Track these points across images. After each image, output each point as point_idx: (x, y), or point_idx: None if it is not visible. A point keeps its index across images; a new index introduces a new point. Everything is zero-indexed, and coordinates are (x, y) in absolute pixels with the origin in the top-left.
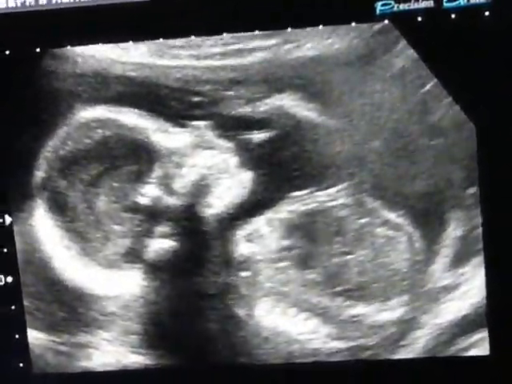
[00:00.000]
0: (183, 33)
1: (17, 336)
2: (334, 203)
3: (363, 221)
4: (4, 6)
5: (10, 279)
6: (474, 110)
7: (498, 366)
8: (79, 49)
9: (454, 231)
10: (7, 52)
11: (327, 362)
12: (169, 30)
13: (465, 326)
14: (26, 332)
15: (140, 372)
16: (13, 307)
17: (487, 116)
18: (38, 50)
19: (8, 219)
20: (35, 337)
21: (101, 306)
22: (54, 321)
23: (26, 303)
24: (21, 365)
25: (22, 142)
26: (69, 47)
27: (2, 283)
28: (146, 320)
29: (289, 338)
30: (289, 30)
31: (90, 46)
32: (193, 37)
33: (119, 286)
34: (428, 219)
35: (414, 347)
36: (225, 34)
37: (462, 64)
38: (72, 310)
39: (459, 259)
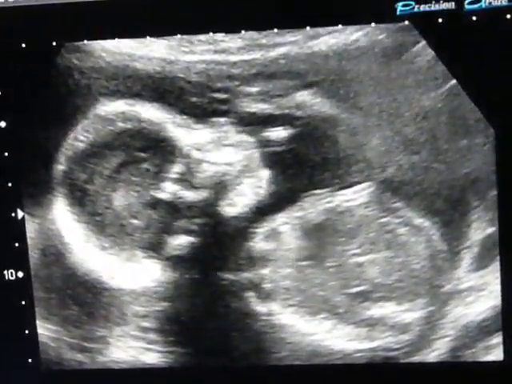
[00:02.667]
0: (202, 29)
1: (26, 331)
2: (355, 202)
3: (384, 220)
4: None
5: (20, 274)
6: (494, 113)
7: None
8: (97, 43)
9: (475, 233)
10: (23, 45)
11: (345, 364)
12: (187, 26)
13: (482, 330)
14: (35, 328)
15: (155, 370)
16: (23, 302)
17: (507, 119)
18: (54, 43)
19: (20, 214)
20: (46, 332)
21: (117, 301)
22: (69, 316)
23: (40, 297)
24: (30, 360)
25: (40, 137)
26: (86, 41)
27: (13, 278)
28: (162, 316)
29: (307, 338)
30: (307, 28)
31: (108, 40)
32: (211, 33)
33: (136, 281)
34: (450, 220)
35: (432, 350)
36: (243, 32)
37: (481, 66)
38: (88, 304)
39: (480, 262)
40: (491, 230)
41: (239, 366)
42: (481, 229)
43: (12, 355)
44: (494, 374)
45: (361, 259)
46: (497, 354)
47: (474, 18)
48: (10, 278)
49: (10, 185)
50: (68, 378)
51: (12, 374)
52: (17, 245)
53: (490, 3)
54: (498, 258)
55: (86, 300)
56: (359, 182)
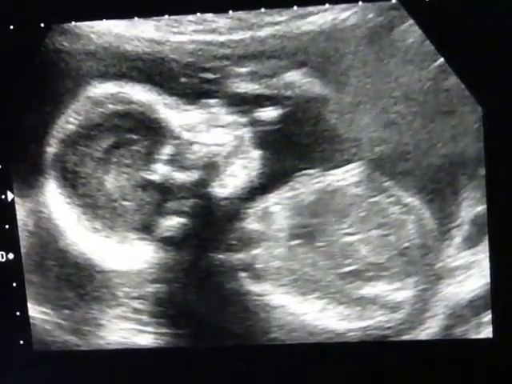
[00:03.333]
0: (189, 10)
1: (17, 313)
2: (345, 182)
3: (375, 199)
4: None
5: (11, 256)
6: (481, 91)
7: (501, 350)
8: (86, 24)
9: (465, 212)
10: (11, 27)
11: (336, 342)
12: (175, 6)
13: (473, 308)
14: (26, 309)
15: (147, 351)
16: (14, 284)
17: (494, 97)
18: (42, 25)
19: (10, 196)
20: (38, 314)
21: (109, 283)
22: (60, 297)
23: (31, 279)
24: (21, 342)
25: (30, 120)
26: (74, 23)
27: (4, 260)
28: (155, 297)
29: (299, 318)
30: (295, 8)
31: (96, 21)
32: (198, 14)
33: (128, 263)
34: (440, 199)
35: (423, 328)
36: (231, 12)
37: (468, 44)
38: (80, 286)
39: (470, 240)
40: (480, 208)
41: (231, 346)
42: (470, 207)
43: (3, 336)
44: (484, 352)
45: (352, 238)
46: (486, 333)
47: None
48: (1, 259)
49: None
50: (59, 360)
51: (3, 354)
52: (7, 227)
53: None
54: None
55: (78, 282)
56: (349, 162)
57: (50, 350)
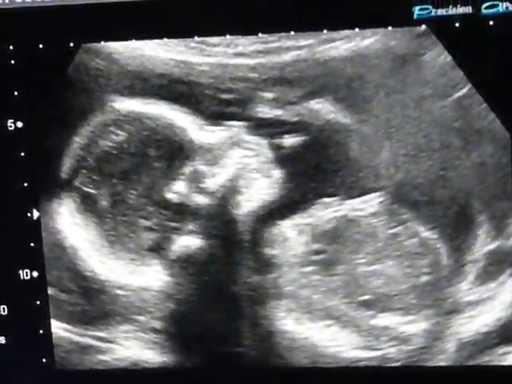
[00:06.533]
0: (218, 32)
1: (41, 331)
2: (363, 212)
3: (393, 231)
4: None
5: (35, 274)
6: (510, 118)
7: None
8: (113, 44)
9: (483, 246)
10: (41, 46)
11: (346, 368)
12: (204, 28)
13: (489, 340)
14: (50, 327)
15: (157, 371)
16: (38, 302)
17: None
18: (71, 44)
19: (36, 214)
20: (60, 332)
21: (123, 300)
22: (81, 316)
23: (54, 297)
24: (44, 360)
25: (54, 137)
26: (103, 43)
27: (28, 278)
28: (166, 317)
29: (309, 344)
30: (324, 31)
31: (125, 41)
32: (228, 36)
33: (142, 281)
34: (458, 232)
35: (438, 360)
36: (260, 35)
37: (498, 71)
38: (98, 305)
39: (486, 275)
40: (497, 243)
41: (242, 369)
42: (487, 242)
43: (26, 355)
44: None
45: (367, 269)
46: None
47: (491, 23)
48: (25, 277)
49: (25, 185)
50: (81, 378)
51: (26, 373)
52: (32, 245)
53: (507, 8)
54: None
55: (96, 301)
56: (369, 192)
57: (72, 368)
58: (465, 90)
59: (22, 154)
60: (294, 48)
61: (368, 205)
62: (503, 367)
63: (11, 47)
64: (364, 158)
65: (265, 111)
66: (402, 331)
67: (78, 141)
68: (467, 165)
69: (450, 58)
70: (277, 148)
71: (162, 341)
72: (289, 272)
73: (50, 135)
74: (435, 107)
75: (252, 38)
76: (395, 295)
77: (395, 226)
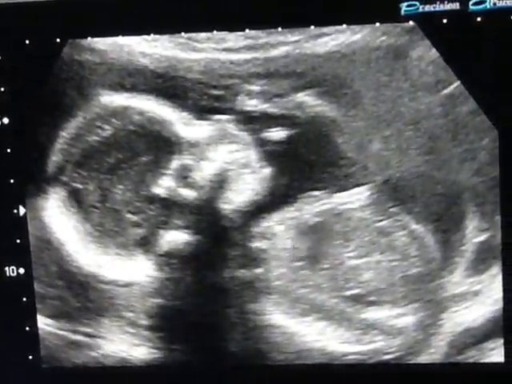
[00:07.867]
0: (205, 27)
1: (27, 328)
2: (351, 205)
3: (381, 224)
4: None
5: (22, 271)
6: (497, 114)
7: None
8: (100, 39)
9: (472, 238)
10: (27, 42)
11: (336, 364)
12: (191, 23)
13: (480, 333)
14: (36, 324)
15: (145, 366)
16: (24, 299)
17: (511, 120)
18: (58, 40)
19: (22, 210)
20: (47, 328)
21: (114, 298)
22: (68, 312)
23: (40, 293)
24: (30, 357)
25: (40, 132)
26: (89, 38)
27: (15, 274)
28: (154, 312)
29: (298, 339)
30: (312, 27)
31: (111, 37)
32: (215, 31)
33: (130, 276)
34: (447, 225)
35: (428, 353)
36: (247, 30)
37: (485, 67)
38: (85, 300)
39: (475, 267)
40: (486, 235)
41: (229, 364)
42: (476, 235)
43: (12, 352)
44: (492, 378)
45: (355, 262)
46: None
47: (479, 19)
48: (12, 274)
49: (12, 181)
50: (68, 375)
51: (13, 370)
52: (18, 241)
53: (494, 4)
54: (499, 262)
55: (83, 296)
56: (357, 185)
57: (59, 365)
58: (452, 86)
59: (8, 150)
60: (282, 44)
61: (356, 198)
62: (492, 362)
63: None
64: (352, 152)
65: (252, 105)
66: (391, 324)
67: (64, 136)
68: (455, 159)
69: (437, 54)
70: (265, 142)
71: (149, 336)
72: (277, 266)
73: (37, 131)
74: (423, 102)
75: (240, 33)
76: (384, 289)
77: (384, 220)
